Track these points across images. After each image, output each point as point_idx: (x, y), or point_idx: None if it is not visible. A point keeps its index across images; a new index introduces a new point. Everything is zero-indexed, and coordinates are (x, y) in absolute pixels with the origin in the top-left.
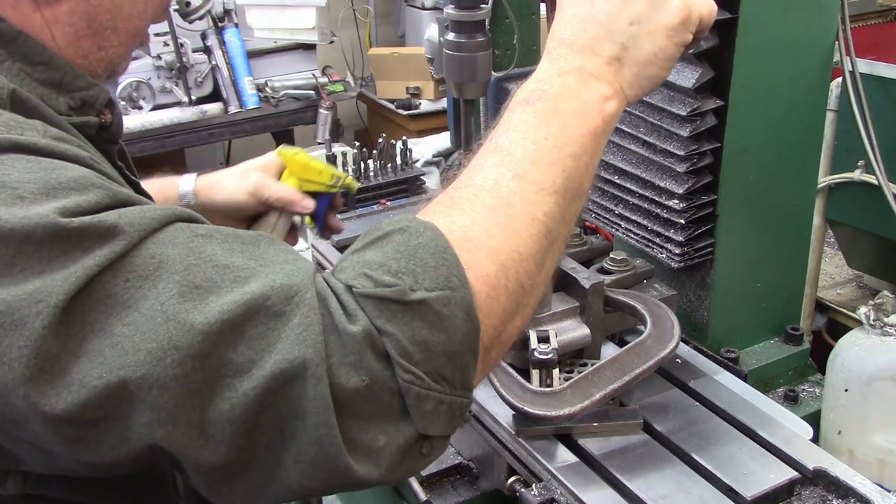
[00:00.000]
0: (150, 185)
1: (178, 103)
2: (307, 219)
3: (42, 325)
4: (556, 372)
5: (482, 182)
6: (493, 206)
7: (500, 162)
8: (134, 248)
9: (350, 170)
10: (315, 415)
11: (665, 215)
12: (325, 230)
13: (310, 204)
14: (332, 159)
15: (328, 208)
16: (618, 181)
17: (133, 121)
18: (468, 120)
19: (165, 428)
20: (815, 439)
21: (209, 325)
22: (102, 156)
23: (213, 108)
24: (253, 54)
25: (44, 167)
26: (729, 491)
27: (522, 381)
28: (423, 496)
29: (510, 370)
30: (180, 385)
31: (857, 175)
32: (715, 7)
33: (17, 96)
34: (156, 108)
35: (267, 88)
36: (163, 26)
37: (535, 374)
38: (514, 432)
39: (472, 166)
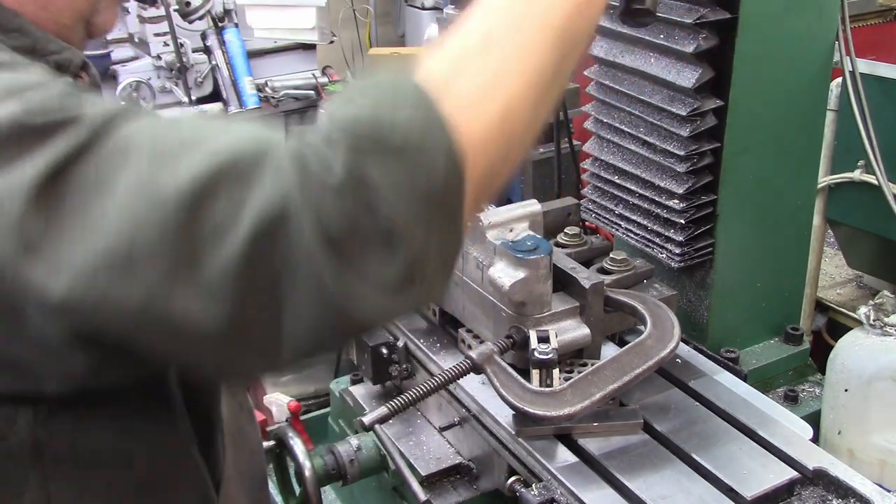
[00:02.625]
0: None
1: (179, 103)
2: None
3: (20, 207)
4: (556, 372)
5: (469, 31)
6: (480, 52)
7: (489, 9)
8: (101, 131)
9: None
10: (304, 265)
11: (665, 215)
12: None
13: None
14: None
15: None
16: (618, 181)
17: None
18: None
19: (160, 302)
20: (815, 439)
21: (183, 190)
22: None
23: (213, 108)
24: (253, 54)
25: (7, 75)
26: (729, 491)
27: (522, 381)
28: (422, 496)
29: (510, 370)
30: (166, 254)
31: (857, 175)
32: None
33: None
34: (156, 108)
35: (267, 88)
36: (163, 26)
37: (535, 374)
38: (514, 432)
39: (460, 22)
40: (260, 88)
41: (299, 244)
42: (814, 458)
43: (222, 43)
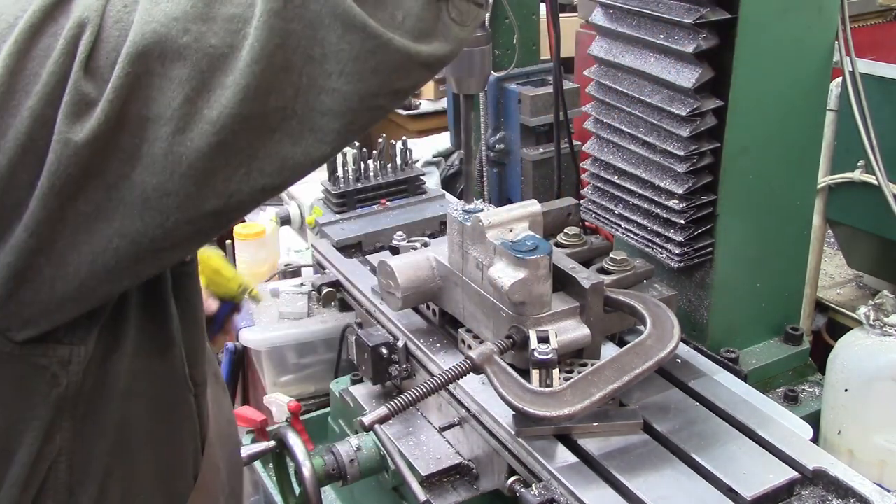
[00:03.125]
0: None
1: None
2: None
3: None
4: (555, 372)
5: None
6: None
7: None
8: None
9: (350, 170)
10: (326, 4)
11: (665, 215)
12: (220, 334)
13: (213, 305)
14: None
15: (230, 312)
16: (618, 181)
17: None
18: (468, 116)
19: (202, 97)
20: (815, 439)
21: None
22: None
23: None
24: None
25: None
26: (729, 491)
27: (522, 381)
28: (422, 496)
29: (510, 370)
30: (196, 52)
31: (857, 175)
32: None
33: None
34: None
35: None
36: None
37: (534, 374)
38: (513, 432)
39: None
40: None
41: None
42: (813, 458)
43: None
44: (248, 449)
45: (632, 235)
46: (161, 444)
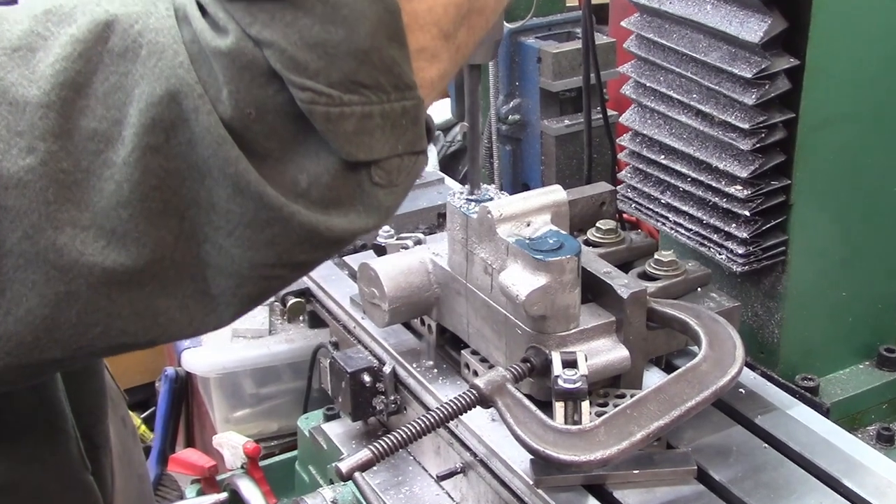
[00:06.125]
0: None
1: None
2: None
3: None
4: (585, 405)
5: None
6: None
7: None
8: None
9: None
10: (215, 156)
11: (725, 205)
12: None
13: None
14: None
15: None
16: (664, 162)
17: None
18: (473, 89)
19: (46, 236)
20: None
21: (47, 93)
22: None
23: None
24: None
25: None
26: None
27: (543, 416)
28: None
29: (527, 403)
30: (42, 178)
31: None
32: None
33: None
34: None
35: None
36: None
37: (558, 407)
38: (531, 482)
39: None
40: None
41: (202, 129)
42: None
43: None
44: None
45: (682, 231)
46: None
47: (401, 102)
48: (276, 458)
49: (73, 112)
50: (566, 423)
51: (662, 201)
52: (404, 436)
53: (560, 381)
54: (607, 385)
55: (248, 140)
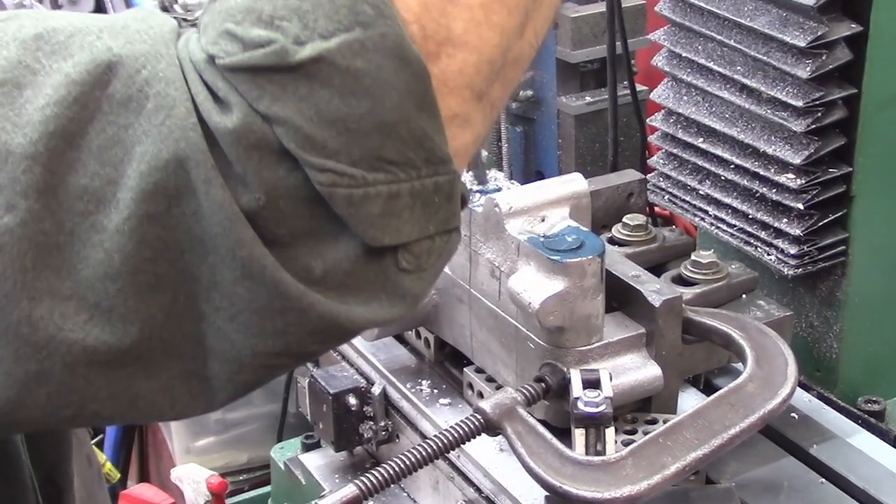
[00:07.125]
0: None
1: None
2: None
3: None
4: (610, 432)
5: None
6: None
7: None
8: None
9: None
10: (225, 235)
11: (774, 197)
12: None
13: None
14: None
15: None
16: (703, 146)
17: None
18: None
19: (21, 307)
20: None
21: (34, 142)
22: None
23: None
24: None
25: None
26: None
27: (560, 445)
28: None
29: (541, 430)
30: (21, 240)
31: None
32: None
33: None
34: None
35: (176, 6)
36: None
37: (578, 435)
38: None
39: None
40: (166, 7)
41: (209, 200)
42: None
43: None
44: None
45: (724, 227)
46: None
47: (433, 178)
48: (246, 496)
49: (62, 166)
50: (587, 453)
51: (701, 192)
52: (397, 469)
53: (580, 405)
54: (636, 409)
55: (256, 226)
